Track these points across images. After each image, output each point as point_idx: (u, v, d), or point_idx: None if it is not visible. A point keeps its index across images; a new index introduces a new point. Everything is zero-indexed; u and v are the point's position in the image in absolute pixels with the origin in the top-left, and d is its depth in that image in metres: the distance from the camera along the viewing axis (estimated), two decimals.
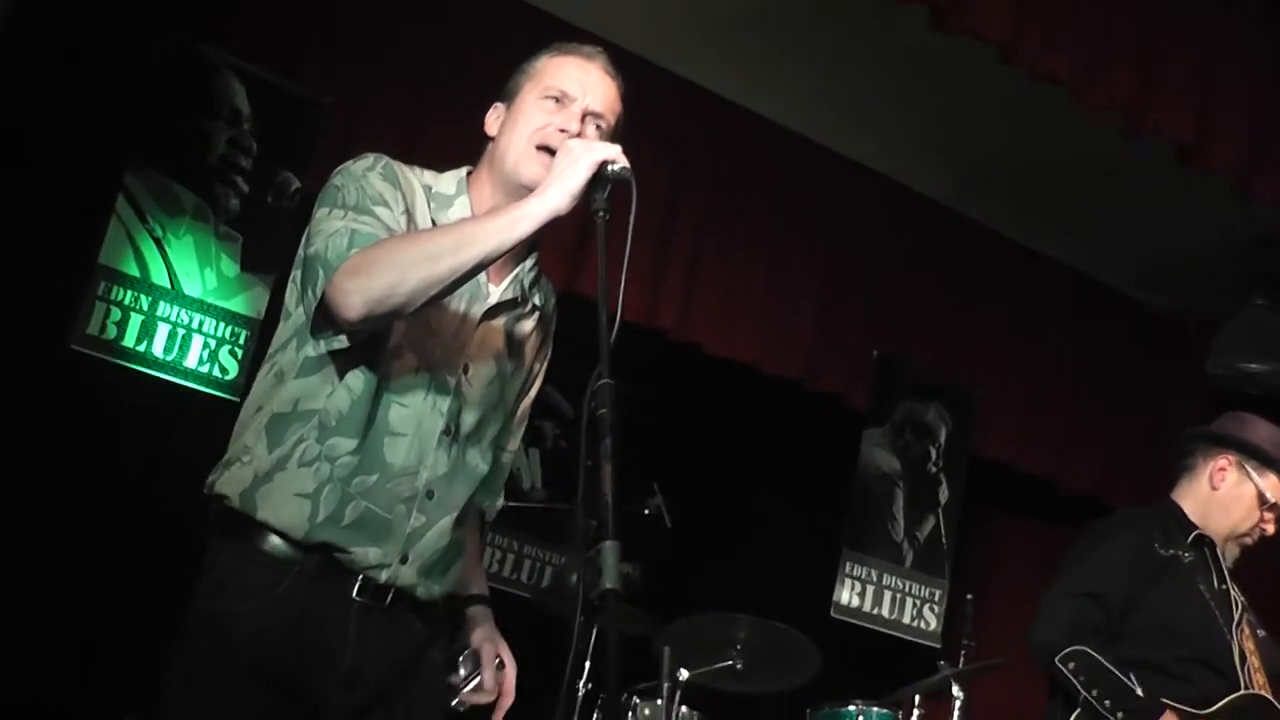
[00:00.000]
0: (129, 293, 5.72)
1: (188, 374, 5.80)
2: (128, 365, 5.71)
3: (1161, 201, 6.89)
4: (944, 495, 7.73)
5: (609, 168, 2.49)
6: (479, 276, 2.66)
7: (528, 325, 2.85)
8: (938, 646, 7.31)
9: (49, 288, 5.56)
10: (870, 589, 7.45)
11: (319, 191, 2.69)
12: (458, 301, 2.68)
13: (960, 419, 7.75)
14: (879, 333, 7.45)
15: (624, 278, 2.33)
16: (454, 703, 2.79)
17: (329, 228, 2.57)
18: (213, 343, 5.86)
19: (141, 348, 5.73)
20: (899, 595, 7.54)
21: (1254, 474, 4.03)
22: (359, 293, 2.47)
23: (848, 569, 7.39)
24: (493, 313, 2.75)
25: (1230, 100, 5.53)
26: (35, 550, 5.31)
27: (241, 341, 5.92)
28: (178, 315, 5.81)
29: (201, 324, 5.85)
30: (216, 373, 5.86)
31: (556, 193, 2.45)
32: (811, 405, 7.39)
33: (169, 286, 5.80)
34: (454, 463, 2.69)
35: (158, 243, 5.77)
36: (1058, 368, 7.88)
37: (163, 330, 5.78)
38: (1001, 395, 7.75)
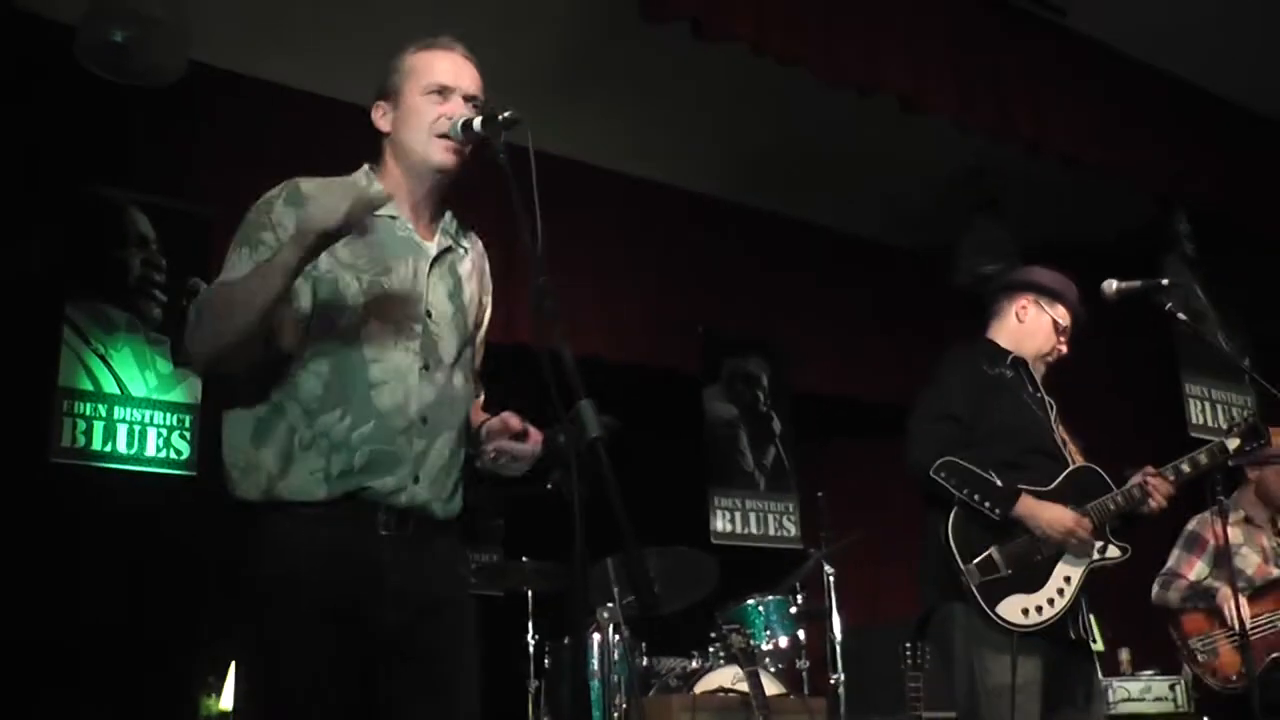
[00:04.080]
0: (88, 405, 5.51)
1: (149, 461, 5.63)
2: (100, 465, 5.51)
3: (888, 158, 7.04)
4: (778, 427, 7.81)
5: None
6: (414, 237, 2.65)
7: (466, 265, 2.78)
8: (800, 547, 7.37)
9: (19, 415, 5.34)
10: (737, 514, 7.48)
11: None
12: (406, 264, 2.62)
13: (776, 364, 7.84)
14: (698, 310, 7.50)
15: (536, 197, 2.31)
16: (498, 460, 2.64)
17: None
18: (165, 431, 5.67)
19: (108, 448, 5.53)
20: (761, 514, 7.59)
21: (1047, 307, 4.16)
22: (195, 354, 2.52)
23: (716, 502, 7.43)
24: (437, 262, 2.68)
25: (942, 52, 5.68)
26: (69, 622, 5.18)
27: (188, 425, 5.73)
28: (131, 415, 5.62)
29: (152, 418, 5.66)
30: (172, 455, 5.67)
31: (316, 225, 2.36)
32: (654, 381, 7.40)
33: (119, 392, 5.60)
34: (440, 390, 2.60)
35: (102, 358, 5.58)
36: (846, 310, 8.03)
37: (122, 430, 5.58)
38: (807, 340, 7.87)
